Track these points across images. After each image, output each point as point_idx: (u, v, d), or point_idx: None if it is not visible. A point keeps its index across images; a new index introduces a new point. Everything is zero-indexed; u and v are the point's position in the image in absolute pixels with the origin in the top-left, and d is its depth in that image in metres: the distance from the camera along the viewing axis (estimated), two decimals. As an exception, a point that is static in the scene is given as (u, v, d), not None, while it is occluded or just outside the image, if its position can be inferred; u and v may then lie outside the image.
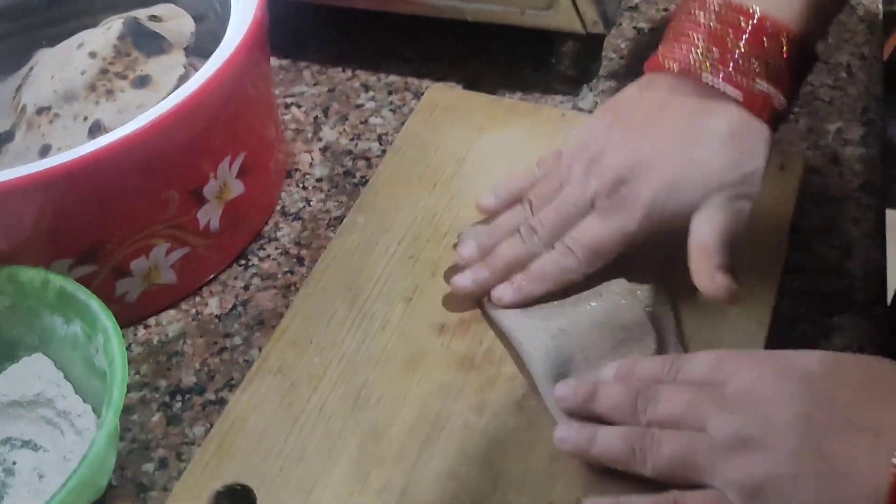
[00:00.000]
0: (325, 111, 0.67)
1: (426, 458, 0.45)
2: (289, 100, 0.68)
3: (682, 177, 0.46)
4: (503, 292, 0.49)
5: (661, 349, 0.47)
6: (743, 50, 0.45)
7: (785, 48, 0.45)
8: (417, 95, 0.67)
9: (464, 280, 0.50)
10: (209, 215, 0.54)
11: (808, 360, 0.39)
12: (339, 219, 0.59)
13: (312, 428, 0.46)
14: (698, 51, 0.46)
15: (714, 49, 0.46)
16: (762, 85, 0.45)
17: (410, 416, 0.47)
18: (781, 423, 0.37)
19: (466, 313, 0.51)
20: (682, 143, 0.46)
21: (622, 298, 0.48)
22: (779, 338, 0.49)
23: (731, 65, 0.45)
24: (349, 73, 0.70)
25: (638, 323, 0.47)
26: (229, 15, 0.55)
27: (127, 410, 0.50)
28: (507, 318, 0.48)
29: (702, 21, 0.46)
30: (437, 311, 0.51)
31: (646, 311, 0.47)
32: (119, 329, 0.45)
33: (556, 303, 0.48)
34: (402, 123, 0.64)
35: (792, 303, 0.51)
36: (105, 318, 0.45)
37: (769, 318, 0.49)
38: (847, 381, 0.38)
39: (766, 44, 0.45)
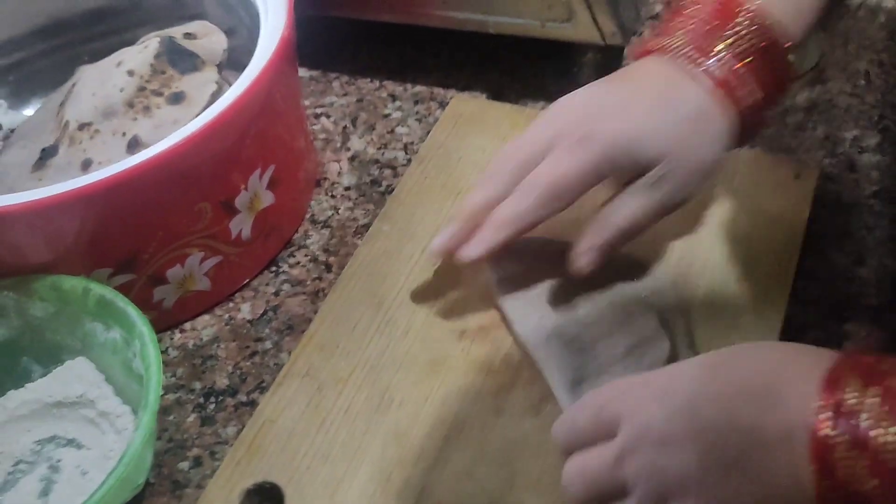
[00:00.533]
0: (354, 121, 0.69)
1: (445, 459, 0.47)
2: (318, 110, 0.70)
3: (644, 133, 0.47)
4: (467, 247, 0.49)
5: (673, 355, 0.48)
6: (719, 35, 0.47)
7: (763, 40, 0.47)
8: (443, 105, 0.69)
9: (437, 239, 0.51)
10: (241, 225, 0.56)
11: (684, 378, 0.38)
12: (366, 226, 0.61)
13: (338, 429, 0.49)
14: (680, 35, 0.48)
15: (694, 36, 0.47)
16: (735, 72, 0.47)
17: (431, 419, 0.49)
18: (686, 466, 0.36)
19: (486, 320, 0.53)
20: (649, 106, 0.47)
21: (635, 305, 0.49)
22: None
23: (707, 51, 0.47)
24: (377, 83, 0.72)
25: (651, 329, 0.49)
26: (259, 28, 0.57)
27: (164, 411, 0.52)
28: (522, 325, 0.50)
29: (690, 12, 0.49)
30: (458, 317, 0.53)
31: (659, 317, 0.49)
32: (154, 335, 0.47)
33: (570, 309, 0.50)
34: (428, 133, 0.66)
35: (804, 309, 0.52)
36: (142, 325, 0.48)
37: (781, 325, 0.50)
38: (732, 384, 0.36)
39: (742, 28, 0.47)
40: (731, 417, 0.35)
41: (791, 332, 0.50)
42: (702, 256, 0.53)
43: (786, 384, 0.34)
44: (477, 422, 0.48)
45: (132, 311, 0.49)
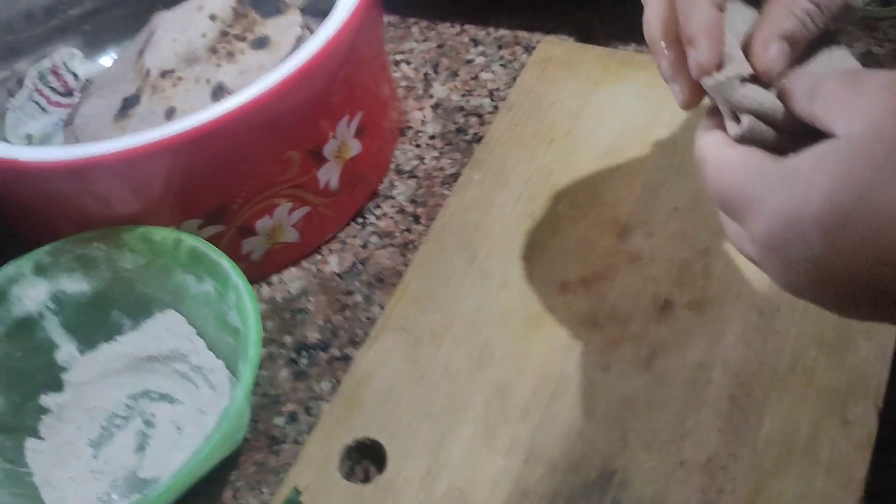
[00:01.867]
0: (435, 67, 0.67)
1: (552, 417, 0.45)
2: (398, 57, 0.68)
3: None
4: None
5: None
6: None
7: None
8: (528, 49, 0.66)
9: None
10: (329, 174, 0.54)
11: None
12: (454, 176, 0.59)
13: (438, 385, 0.47)
14: None
15: None
16: None
17: (535, 375, 0.47)
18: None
19: (587, 272, 0.50)
20: None
21: None
22: None
23: None
24: (458, 27, 0.69)
25: None
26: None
27: (256, 366, 0.51)
28: None
29: None
30: (558, 269, 0.51)
31: None
32: (251, 288, 0.46)
33: None
34: (513, 78, 0.63)
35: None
36: (236, 277, 0.47)
37: None
38: None
39: None
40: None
41: None
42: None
43: None
44: (584, 378, 0.46)
45: (226, 263, 0.47)
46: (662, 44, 0.37)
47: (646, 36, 0.38)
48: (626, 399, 0.45)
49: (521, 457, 0.44)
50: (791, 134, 0.33)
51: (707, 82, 0.34)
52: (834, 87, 0.30)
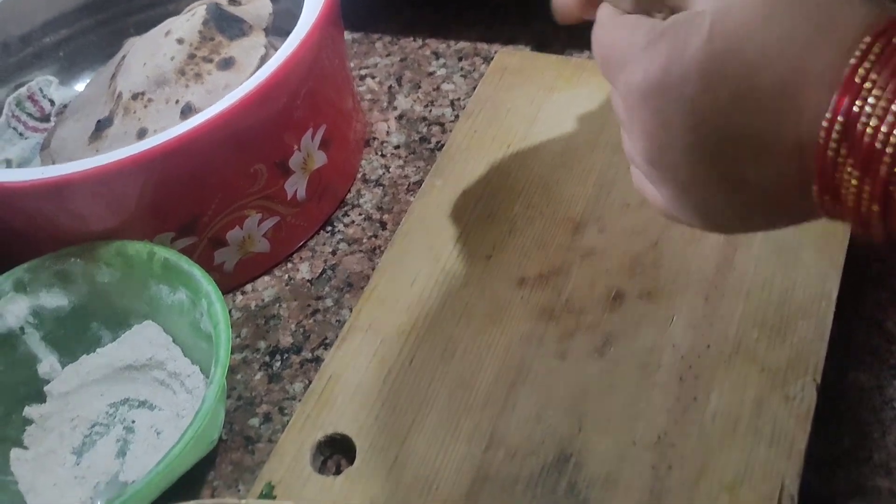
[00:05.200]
0: (399, 80, 0.69)
1: (512, 405, 0.47)
2: (363, 71, 0.70)
3: None
4: None
5: None
6: None
7: None
8: (487, 60, 0.69)
9: None
10: (296, 185, 0.57)
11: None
12: (418, 183, 0.61)
13: (403, 380, 0.49)
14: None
15: None
16: None
17: (495, 366, 0.49)
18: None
19: (545, 268, 0.53)
20: None
21: None
22: (853, 278, 0.50)
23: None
24: (420, 42, 0.72)
25: None
26: (303, -7, 0.57)
27: (232, 370, 0.53)
28: None
29: None
30: (516, 266, 0.53)
31: None
32: (220, 294, 0.48)
33: None
34: (474, 88, 0.65)
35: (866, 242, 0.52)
36: (207, 285, 0.49)
37: (843, 260, 0.50)
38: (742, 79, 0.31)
39: None
40: (733, 128, 0.31)
41: (853, 266, 0.50)
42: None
43: (801, 91, 0.30)
44: (542, 367, 0.48)
45: (197, 272, 0.49)
46: None
47: None
48: (581, 385, 0.47)
49: (482, 444, 0.46)
50: None
51: None
52: None
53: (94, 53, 0.69)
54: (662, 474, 0.43)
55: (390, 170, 0.63)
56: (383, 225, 0.60)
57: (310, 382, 0.51)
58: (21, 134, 0.66)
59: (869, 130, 0.28)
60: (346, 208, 0.61)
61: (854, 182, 0.29)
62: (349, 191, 0.62)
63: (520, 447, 0.46)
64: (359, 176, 0.63)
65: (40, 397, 0.52)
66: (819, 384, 0.45)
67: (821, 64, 0.30)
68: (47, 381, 0.52)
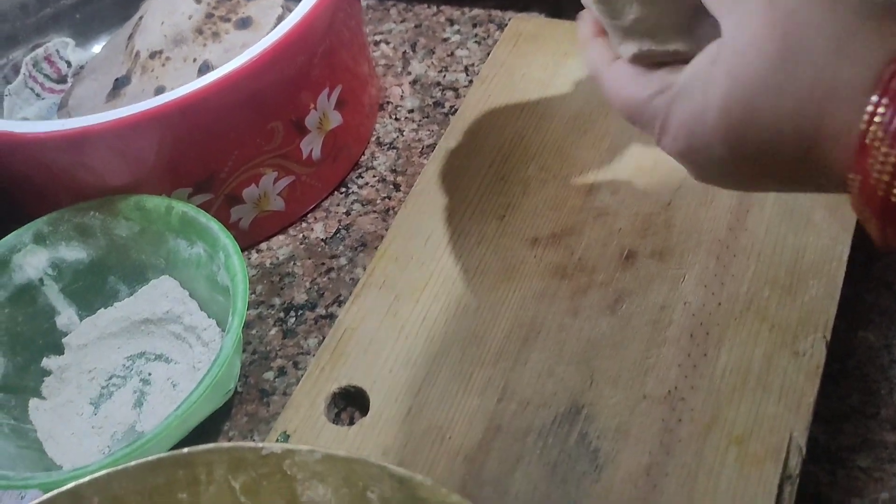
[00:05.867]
0: (413, 46, 0.69)
1: (524, 359, 0.48)
2: (378, 37, 0.71)
3: None
4: None
5: None
6: None
7: None
8: (501, 27, 0.69)
9: None
10: (311, 144, 0.57)
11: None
12: (432, 147, 0.62)
13: (417, 335, 0.50)
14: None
15: None
16: None
17: (508, 322, 0.50)
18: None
19: (558, 227, 0.53)
20: None
21: None
22: (865, 240, 0.50)
23: None
24: (434, 8, 0.72)
25: None
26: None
27: (247, 326, 0.54)
28: None
29: None
30: (529, 226, 0.54)
31: None
32: (238, 246, 0.49)
33: None
34: (488, 54, 0.66)
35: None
36: (224, 238, 0.49)
37: (854, 222, 0.50)
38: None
39: None
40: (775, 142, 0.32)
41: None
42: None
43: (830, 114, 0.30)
44: (554, 324, 0.49)
45: (214, 226, 0.50)
46: None
47: None
48: (593, 341, 0.48)
49: (495, 396, 0.47)
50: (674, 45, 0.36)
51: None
52: None
53: (110, 16, 0.70)
54: (672, 426, 0.44)
55: (404, 133, 0.64)
56: (397, 187, 0.61)
57: (324, 338, 0.52)
58: (38, 94, 0.66)
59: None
60: (360, 170, 0.62)
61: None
62: (363, 153, 0.63)
63: (532, 399, 0.46)
64: (373, 139, 0.64)
65: (58, 349, 0.53)
66: (829, 341, 0.46)
67: (838, 122, 0.30)
68: (65, 334, 0.53)
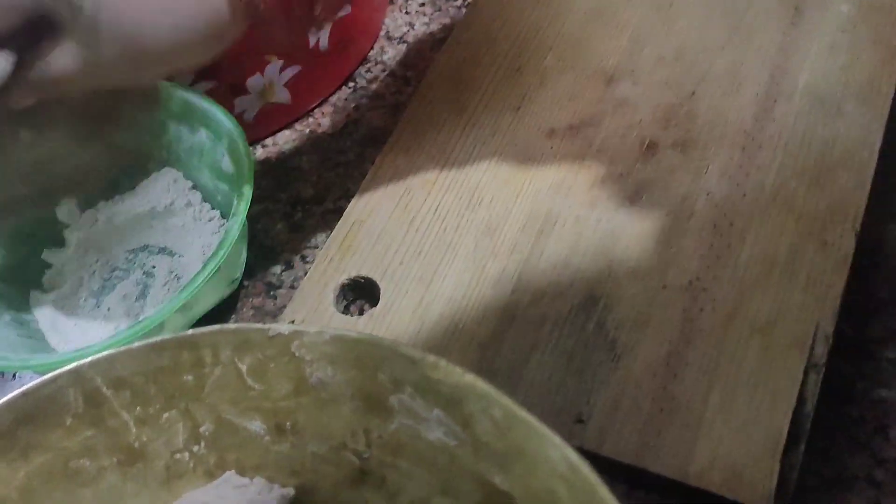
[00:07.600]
0: (424, -61, 0.66)
1: (539, 251, 0.46)
2: (387, -70, 0.68)
3: None
4: None
5: None
6: None
7: None
8: (516, -82, 0.66)
9: None
10: (318, 33, 0.55)
11: None
12: (443, 41, 0.59)
13: (429, 227, 0.48)
14: None
15: None
16: None
17: (523, 214, 0.48)
18: None
19: (575, 119, 0.51)
20: None
21: None
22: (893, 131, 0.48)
23: None
24: None
25: None
26: None
27: (252, 219, 0.52)
28: None
29: None
30: (546, 117, 0.52)
31: None
32: (242, 131, 0.47)
33: None
34: (503, -54, 0.63)
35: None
36: (228, 122, 0.47)
37: (888, 112, 0.48)
38: None
39: None
40: None
41: (899, 118, 0.48)
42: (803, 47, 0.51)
43: None
44: (571, 215, 0.47)
45: (217, 111, 0.48)
46: None
47: None
48: (611, 232, 0.46)
49: (509, 287, 0.45)
50: None
51: None
52: None
53: None
54: (693, 316, 0.42)
55: (415, 27, 0.61)
56: (407, 81, 0.58)
57: (332, 232, 0.50)
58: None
59: None
60: (369, 65, 0.59)
61: None
62: (372, 47, 0.60)
63: (547, 290, 0.45)
64: (382, 33, 0.61)
65: (59, 242, 0.51)
66: (858, 232, 0.44)
67: None
68: (66, 226, 0.51)
